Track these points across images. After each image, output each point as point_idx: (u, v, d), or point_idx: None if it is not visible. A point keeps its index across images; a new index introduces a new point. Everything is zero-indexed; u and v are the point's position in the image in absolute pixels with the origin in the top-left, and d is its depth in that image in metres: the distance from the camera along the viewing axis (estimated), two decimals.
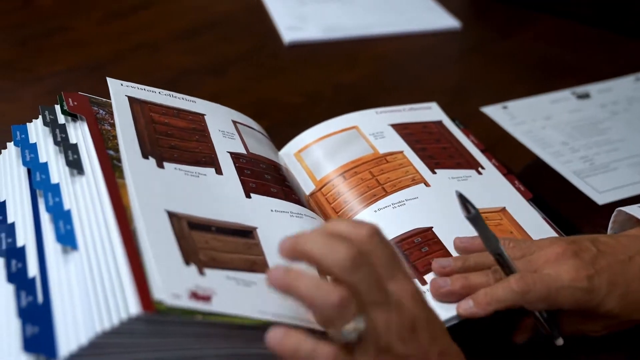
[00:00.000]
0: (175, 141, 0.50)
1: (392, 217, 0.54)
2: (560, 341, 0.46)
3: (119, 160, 0.46)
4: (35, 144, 0.49)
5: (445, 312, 0.45)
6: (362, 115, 0.65)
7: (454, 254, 0.51)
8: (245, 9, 1.00)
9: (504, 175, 0.61)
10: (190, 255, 0.40)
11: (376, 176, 0.58)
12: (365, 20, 0.97)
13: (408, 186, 0.57)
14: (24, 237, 0.44)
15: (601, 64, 0.89)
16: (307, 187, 0.58)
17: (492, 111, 0.78)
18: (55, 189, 0.44)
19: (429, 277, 0.48)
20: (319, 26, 0.95)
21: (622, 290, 0.44)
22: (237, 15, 0.98)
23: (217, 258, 0.41)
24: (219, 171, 0.50)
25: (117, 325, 0.35)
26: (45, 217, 0.44)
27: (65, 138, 0.48)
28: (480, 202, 0.55)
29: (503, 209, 0.56)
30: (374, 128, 0.63)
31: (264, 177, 0.53)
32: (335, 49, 0.91)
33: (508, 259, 0.45)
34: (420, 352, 0.37)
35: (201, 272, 0.39)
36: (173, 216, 0.42)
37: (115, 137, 0.48)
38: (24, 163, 0.48)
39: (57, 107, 0.51)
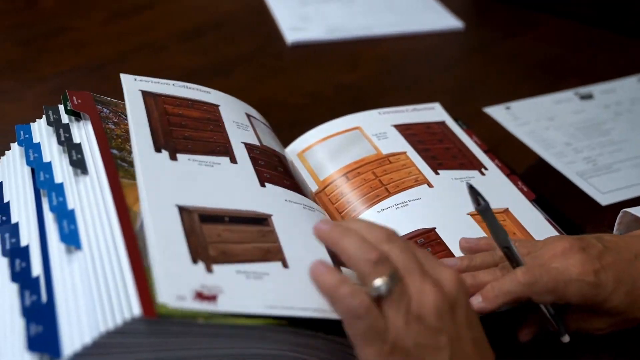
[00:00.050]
0: (189, 132, 0.50)
1: (395, 218, 0.54)
2: (566, 338, 0.46)
3: (123, 159, 0.46)
4: (39, 143, 0.49)
5: None
6: (365, 115, 0.65)
7: (457, 254, 0.51)
8: (248, 10, 1.00)
9: (507, 175, 0.61)
10: (199, 252, 0.40)
11: (379, 177, 0.58)
12: (367, 21, 0.97)
13: (411, 187, 0.57)
14: (28, 236, 0.44)
15: (604, 64, 0.89)
16: (310, 187, 0.58)
17: (495, 112, 0.78)
18: (59, 189, 0.44)
19: None
20: (322, 27, 0.95)
21: (628, 287, 0.44)
22: (240, 16, 0.98)
23: (228, 251, 0.41)
24: (233, 160, 0.50)
25: (121, 326, 0.35)
26: (49, 217, 0.44)
27: (69, 138, 0.48)
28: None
29: (506, 210, 0.56)
30: (377, 129, 0.63)
31: (277, 169, 0.54)
32: (338, 49, 0.91)
33: (516, 252, 0.45)
34: (454, 332, 0.37)
35: (209, 270, 0.39)
36: (184, 210, 0.42)
37: (119, 136, 0.48)
38: (28, 163, 0.48)
39: (61, 107, 0.51)
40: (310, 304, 0.40)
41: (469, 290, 0.40)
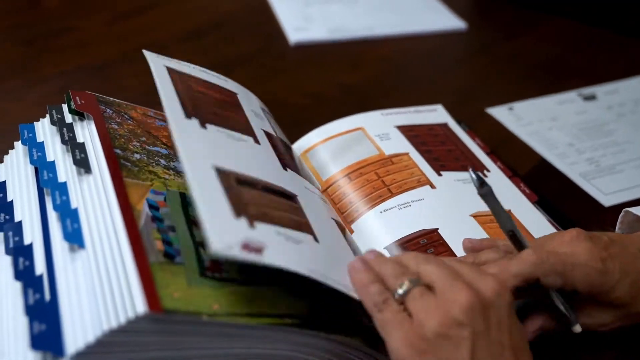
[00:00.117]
0: (213, 108, 0.51)
1: (397, 218, 0.54)
2: (578, 327, 0.45)
3: (126, 159, 0.46)
4: (42, 142, 0.49)
5: None
6: (367, 116, 0.65)
7: (459, 255, 0.51)
8: (251, 10, 1.00)
9: (509, 177, 0.61)
10: (240, 208, 0.40)
11: (382, 177, 0.58)
12: (370, 21, 0.97)
13: (414, 188, 0.57)
14: (31, 235, 0.44)
15: (607, 65, 0.89)
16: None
17: (498, 112, 0.78)
18: (63, 188, 0.44)
19: None
20: (324, 27, 0.95)
21: (633, 279, 0.44)
22: (243, 16, 0.99)
23: (267, 213, 0.42)
24: (256, 141, 0.51)
25: (124, 324, 0.35)
26: (52, 216, 0.44)
27: (73, 137, 0.48)
28: (486, 205, 0.55)
29: (508, 212, 0.56)
30: (380, 129, 0.63)
31: (293, 160, 0.55)
32: (341, 49, 0.91)
33: (521, 236, 0.45)
34: (483, 330, 0.37)
35: (251, 225, 0.40)
36: (221, 172, 0.42)
37: (122, 136, 0.49)
38: (32, 162, 0.48)
39: (65, 107, 0.51)
40: (340, 279, 0.41)
41: (512, 299, 0.40)
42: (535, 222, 0.56)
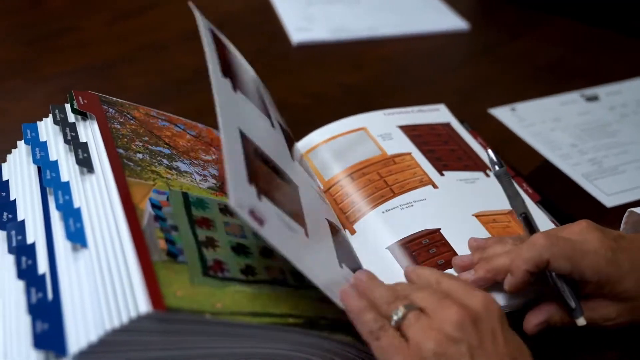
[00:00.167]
0: (242, 77, 0.52)
1: (400, 218, 0.54)
2: (582, 320, 0.45)
3: (129, 159, 0.46)
4: (45, 142, 0.49)
5: None
6: (370, 116, 0.65)
7: (462, 254, 0.51)
8: (253, 10, 1.00)
9: (512, 177, 0.61)
10: (253, 176, 0.41)
11: (384, 177, 0.58)
12: (372, 22, 0.97)
13: (416, 187, 0.57)
14: (34, 234, 0.44)
15: (610, 65, 0.89)
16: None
17: (501, 113, 0.78)
18: (65, 187, 0.44)
19: None
20: (327, 27, 0.95)
21: None
22: (246, 16, 0.99)
23: (272, 192, 0.43)
24: (272, 125, 0.53)
25: (127, 323, 0.35)
26: (55, 215, 0.44)
27: (75, 137, 0.48)
28: (488, 205, 0.55)
29: (511, 212, 0.56)
30: (382, 129, 0.63)
31: (298, 155, 0.56)
32: (343, 50, 0.91)
33: (534, 220, 0.45)
34: (477, 343, 0.38)
35: (259, 196, 0.41)
36: (244, 136, 0.44)
37: (124, 135, 0.49)
38: (34, 161, 0.48)
39: (67, 106, 0.51)
40: (321, 277, 0.41)
41: (501, 311, 0.40)
42: (538, 222, 0.55)
